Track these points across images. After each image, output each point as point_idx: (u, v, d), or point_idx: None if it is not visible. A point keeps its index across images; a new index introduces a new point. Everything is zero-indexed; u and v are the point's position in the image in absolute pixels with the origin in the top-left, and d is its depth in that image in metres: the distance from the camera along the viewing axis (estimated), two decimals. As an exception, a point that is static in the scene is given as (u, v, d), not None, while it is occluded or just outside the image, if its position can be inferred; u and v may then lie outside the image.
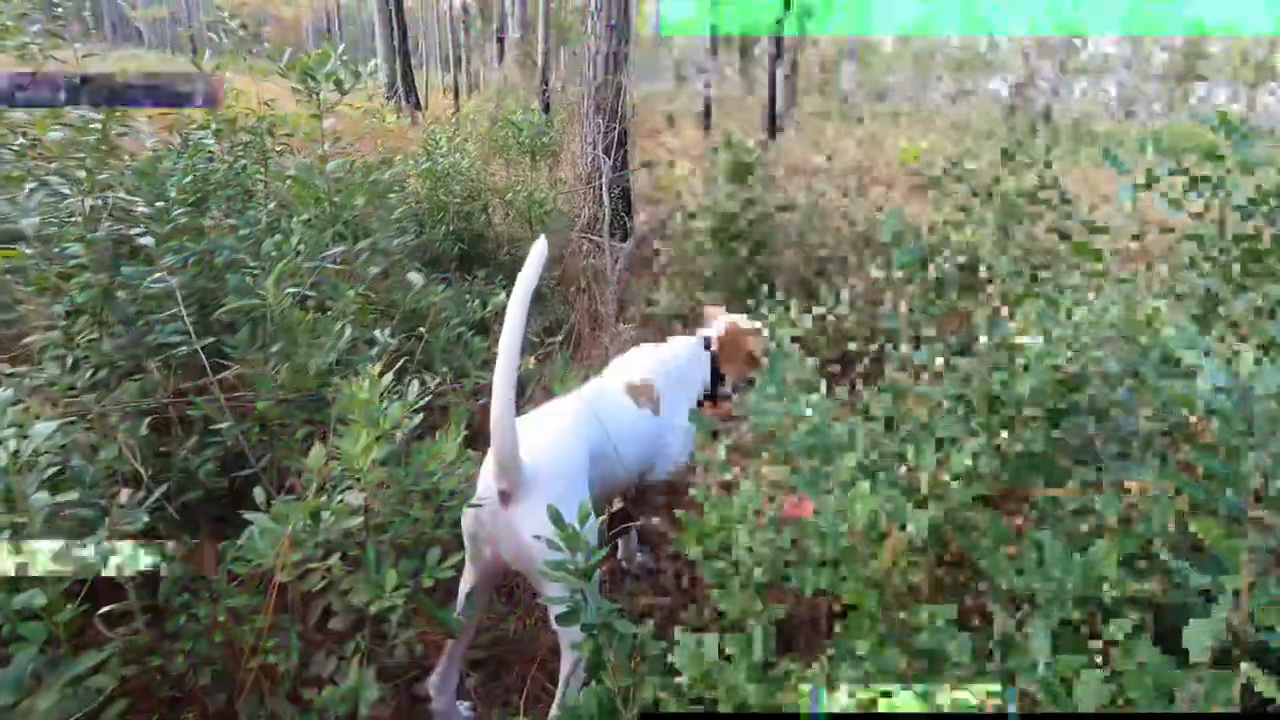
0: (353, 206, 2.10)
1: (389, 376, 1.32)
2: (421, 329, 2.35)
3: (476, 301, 2.43)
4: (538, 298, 4.47)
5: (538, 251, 1.38)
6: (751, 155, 3.87)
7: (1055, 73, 29.29)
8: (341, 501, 1.26)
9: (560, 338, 3.50)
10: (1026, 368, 1.20)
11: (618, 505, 2.26)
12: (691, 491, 1.38)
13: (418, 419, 1.38)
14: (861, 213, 4.18)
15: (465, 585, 1.59)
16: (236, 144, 2.64)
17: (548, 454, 1.54)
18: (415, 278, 1.89)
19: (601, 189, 6.22)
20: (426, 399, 1.40)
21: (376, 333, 1.68)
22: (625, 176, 6.34)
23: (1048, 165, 3.42)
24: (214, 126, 2.46)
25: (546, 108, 11.79)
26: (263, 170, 2.51)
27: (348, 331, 1.60)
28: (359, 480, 1.26)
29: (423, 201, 4.16)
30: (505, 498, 1.44)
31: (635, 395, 1.98)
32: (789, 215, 4.05)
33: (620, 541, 2.27)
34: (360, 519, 1.23)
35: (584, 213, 6.33)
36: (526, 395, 2.20)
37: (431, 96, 19.04)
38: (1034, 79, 29.05)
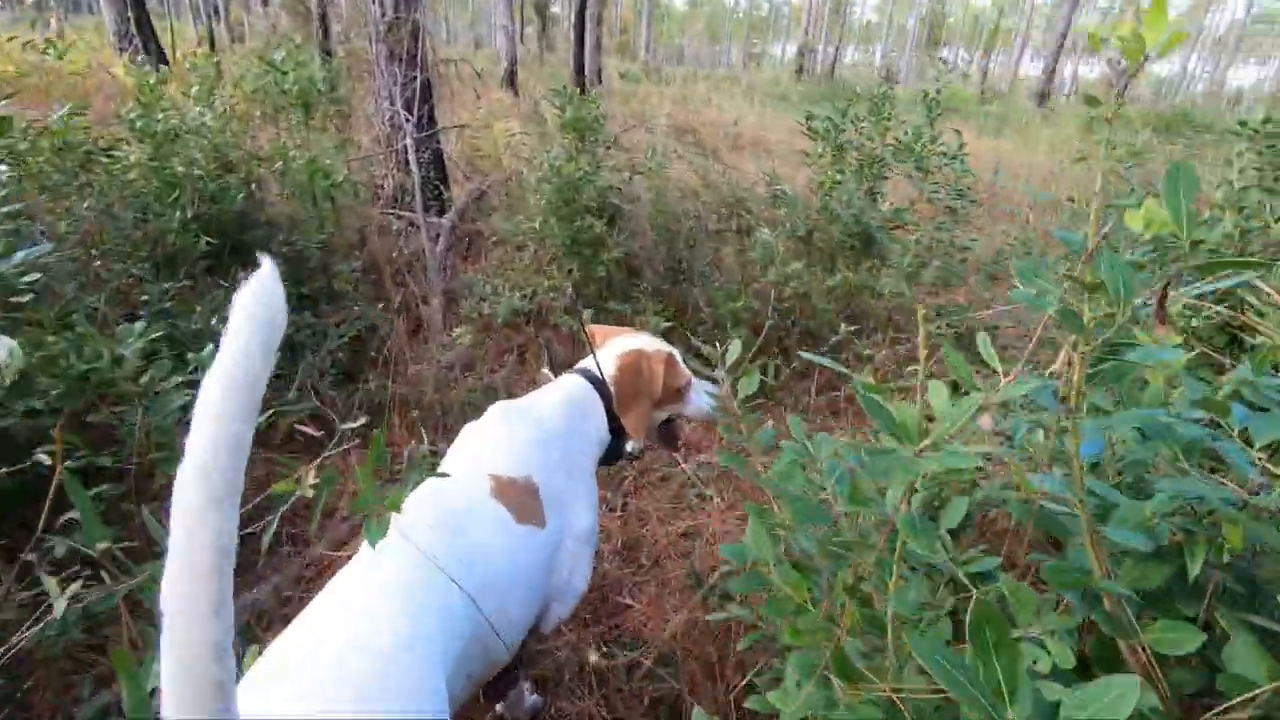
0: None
1: None
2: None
3: (210, 348, 1.43)
4: (333, 297, 3.38)
5: (254, 298, 0.50)
6: (595, 108, 3.06)
7: (834, 38, 31.11)
8: None
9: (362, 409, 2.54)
10: None
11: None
12: None
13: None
14: (723, 176, 3.55)
15: None
16: None
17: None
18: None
19: (407, 153, 5.10)
20: None
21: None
22: (436, 138, 5.23)
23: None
24: None
25: (328, 56, 10.00)
26: None
27: None
28: None
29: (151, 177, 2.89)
30: None
31: (508, 500, 1.15)
32: (647, 181, 3.30)
33: (503, 704, 1.46)
34: None
35: (387, 183, 5.16)
36: (314, 526, 1.27)
37: (183, 50, 15.85)
38: (814, 44, 30.70)
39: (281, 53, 3.30)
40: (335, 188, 3.30)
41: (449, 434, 2.88)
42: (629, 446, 1.54)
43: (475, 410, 3.06)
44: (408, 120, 5.05)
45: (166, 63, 12.62)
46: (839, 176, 2.77)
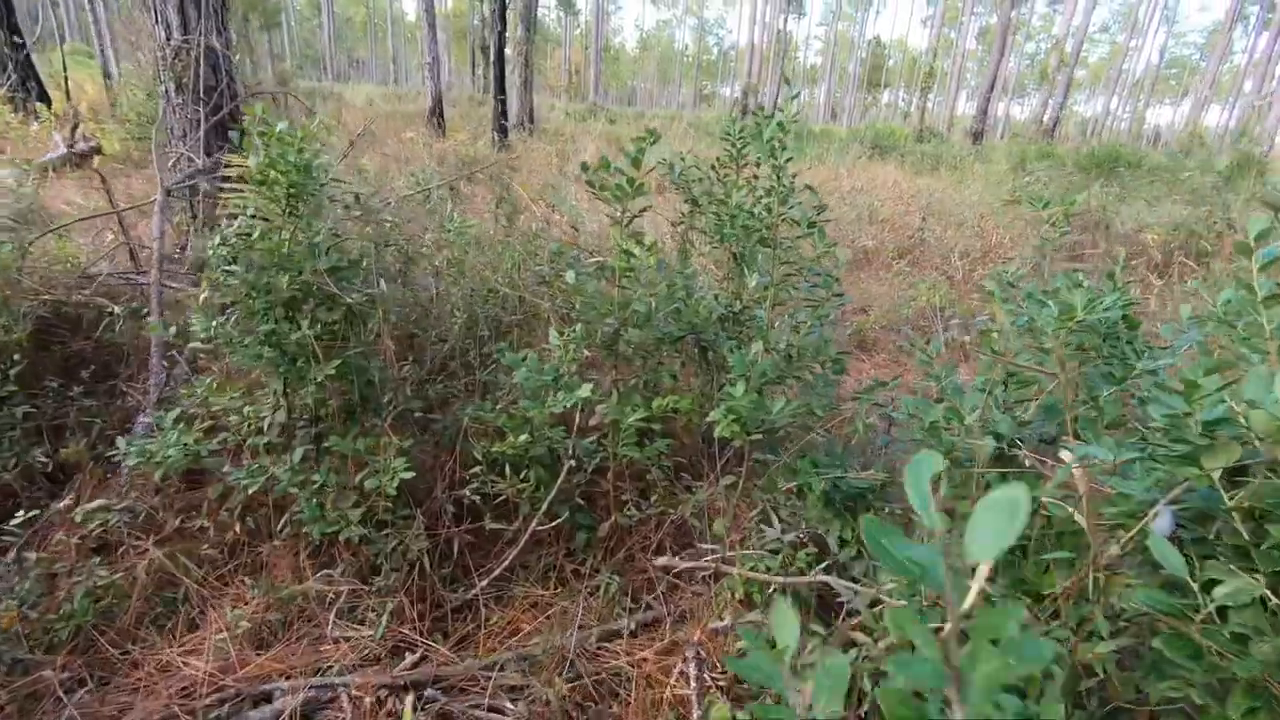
0: None
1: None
2: None
3: None
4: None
5: None
6: (310, 156, 2.02)
7: (777, 79, 31.04)
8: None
9: None
10: None
11: None
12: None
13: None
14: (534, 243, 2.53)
15: None
16: None
17: None
18: None
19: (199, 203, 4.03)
20: None
21: None
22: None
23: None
24: None
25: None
26: None
27: None
28: None
29: None
30: None
31: None
32: (425, 260, 2.26)
33: None
34: None
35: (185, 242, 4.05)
36: None
37: (87, 86, 14.50)
38: (759, 86, 30.62)
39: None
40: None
41: None
42: None
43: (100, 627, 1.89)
44: (203, 164, 3.98)
45: (46, 100, 11.31)
46: (636, 254, 1.74)
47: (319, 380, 1.97)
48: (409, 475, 1.88)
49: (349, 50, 56.35)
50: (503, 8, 10.91)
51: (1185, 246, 5.43)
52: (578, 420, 2.01)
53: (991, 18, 35.98)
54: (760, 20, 38.59)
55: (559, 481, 1.98)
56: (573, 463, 2.00)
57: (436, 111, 14.39)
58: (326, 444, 2.01)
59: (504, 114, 11.82)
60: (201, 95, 3.95)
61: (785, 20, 34.77)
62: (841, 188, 9.97)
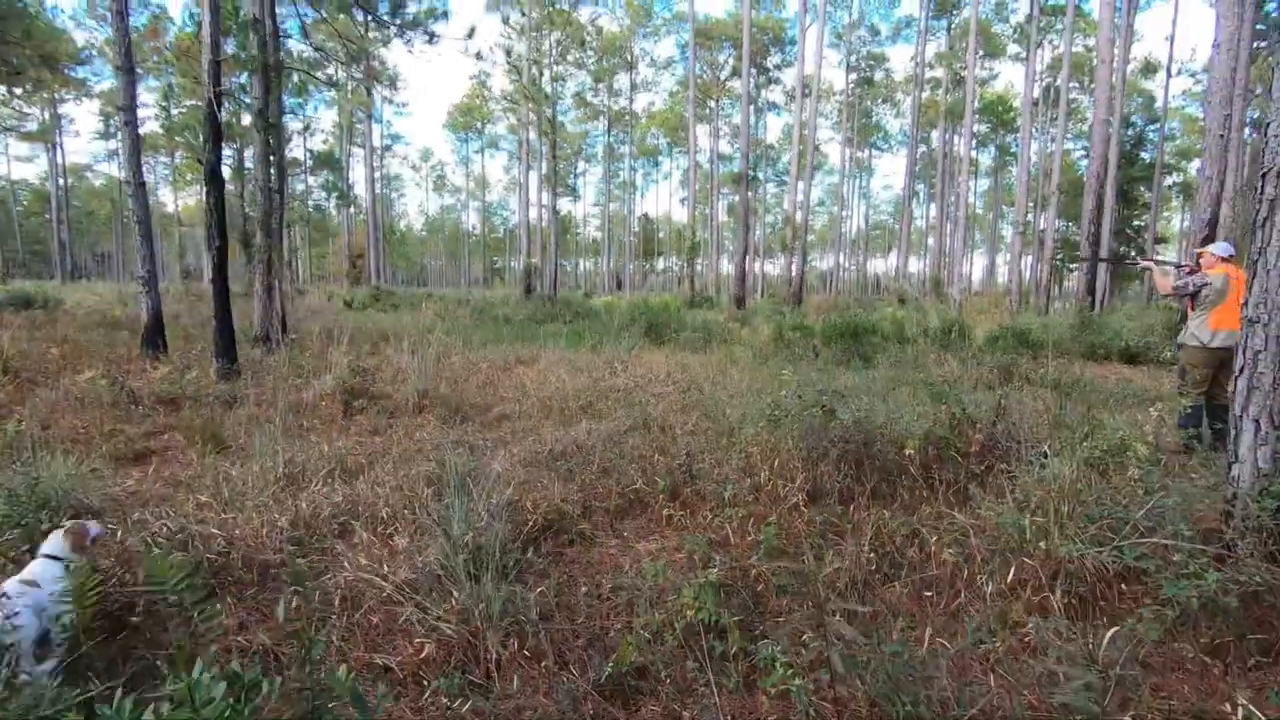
0: None
1: None
2: None
3: None
4: None
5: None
6: None
7: (559, 256, 32.30)
8: None
9: None
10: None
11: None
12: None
13: None
14: None
15: None
16: None
17: None
18: None
19: None
20: None
21: None
22: None
23: None
24: None
25: None
26: None
27: None
28: None
29: None
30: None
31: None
32: None
33: None
34: None
35: None
36: None
37: None
38: (539, 264, 31.51)
39: None
40: None
41: None
42: None
43: None
44: None
45: None
46: None
47: None
48: None
49: (92, 245, 50.00)
50: (220, 222, 9.50)
51: (939, 451, 5.18)
52: None
53: (735, 197, 41.54)
54: (538, 203, 40.84)
55: None
56: None
57: (155, 330, 12.09)
58: None
59: (228, 334, 10.01)
60: None
61: (554, 203, 36.79)
62: (616, 386, 9.40)
